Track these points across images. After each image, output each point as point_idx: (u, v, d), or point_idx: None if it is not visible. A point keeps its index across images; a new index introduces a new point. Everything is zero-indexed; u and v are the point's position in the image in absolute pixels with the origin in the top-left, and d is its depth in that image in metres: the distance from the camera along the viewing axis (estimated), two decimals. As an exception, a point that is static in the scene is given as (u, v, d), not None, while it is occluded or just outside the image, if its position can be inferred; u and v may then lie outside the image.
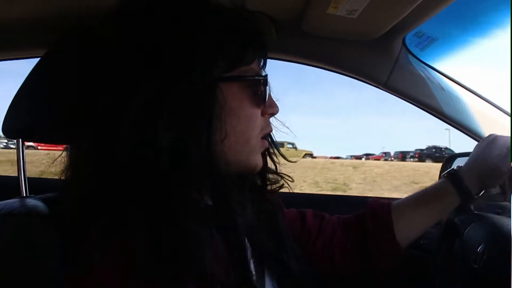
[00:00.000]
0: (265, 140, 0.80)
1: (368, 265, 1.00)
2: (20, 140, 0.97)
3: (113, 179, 0.64)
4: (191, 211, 0.64)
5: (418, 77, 1.36)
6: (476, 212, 1.09)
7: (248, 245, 0.78)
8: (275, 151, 0.88)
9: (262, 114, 0.78)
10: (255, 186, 0.87)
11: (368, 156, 30.07)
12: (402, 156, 27.48)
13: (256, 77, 0.75)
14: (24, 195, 0.96)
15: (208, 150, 0.67)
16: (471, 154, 1.05)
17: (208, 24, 0.70)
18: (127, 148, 0.64)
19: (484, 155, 1.00)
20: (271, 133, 0.85)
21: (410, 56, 1.37)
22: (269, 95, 0.78)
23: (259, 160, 0.78)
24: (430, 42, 1.31)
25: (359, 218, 1.04)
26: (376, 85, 1.37)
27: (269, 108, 0.78)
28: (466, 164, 1.03)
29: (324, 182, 13.25)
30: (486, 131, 1.34)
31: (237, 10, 0.75)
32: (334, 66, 1.37)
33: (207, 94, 0.68)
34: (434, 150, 24.70)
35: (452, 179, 1.01)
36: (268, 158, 0.87)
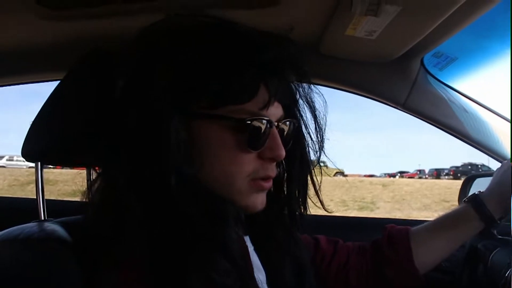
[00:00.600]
0: (261, 182, 0.73)
1: None
2: (39, 163, 0.98)
3: (147, 201, 0.65)
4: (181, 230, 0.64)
5: (438, 98, 1.35)
6: (500, 237, 1.06)
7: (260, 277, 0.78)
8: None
9: (260, 157, 0.72)
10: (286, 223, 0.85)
11: (402, 174, 29.51)
12: (437, 173, 26.87)
13: (242, 120, 0.68)
14: (43, 218, 0.98)
15: (183, 179, 0.65)
16: (492, 178, 1.03)
17: (191, 55, 0.67)
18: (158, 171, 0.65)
19: (505, 179, 0.97)
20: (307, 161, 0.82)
21: (429, 77, 1.35)
22: (274, 137, 0.71)
23: (251, 202, 0.73)
24: (449, 62, 1.30)
25: (375, 244, 1.02)
26: (395, 106, 1.36)
27: (268, 151, 0.71)
28: (487, 188, 1.01)
29: (352, 201, 13.08)
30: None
31: (239, 38, 0.70)
32: (352, 87, 1.37)
33: (175, 126, 0.65)
34: (469, 167, 24.00)
35: (473, 204, 0.99)
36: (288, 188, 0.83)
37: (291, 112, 0.79)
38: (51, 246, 0.79)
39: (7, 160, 23.32)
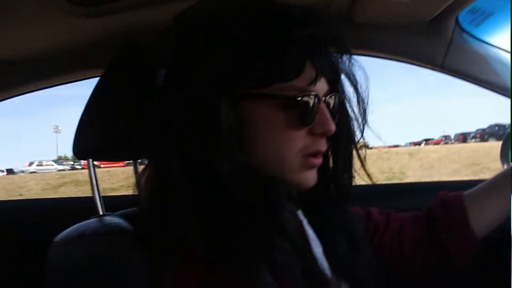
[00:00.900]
0: (312, 159, 0.73)
1: (442, 258, 0.96)
2: (90, 160, 1.00)
3: (200, 187, 0.66)
4: (237, 212, 0.65)
5: (476, 55, 1.32)
6: None
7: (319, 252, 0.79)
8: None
9: (310, 133, 0.72)
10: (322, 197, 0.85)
11: (427, 141, 29.14)
12: (463, 137, 26.44)
13: (292, 98, 0.69)
14: (101, 213, 1.00)
15: (234, 163, 0.65)
16: None
17: (237, 35, 0.67)
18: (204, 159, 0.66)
19: None
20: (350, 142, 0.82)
21: (465, 35, 1.33)
22: (323, 112, 0.72)
23: (303, 179, 0.74)
24: (486, 17, 1.27)
25: (429, 211, 1.00)
26: (432, 67, 1.33)
27: (318, 126, 0.72)
28: None
29: (380, 172, 12.99)
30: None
31: (283, 15, 0.70)
32: (388, 53, 1.35)
33: (223, 109, 0.65)
34: (497, 128, 23.48)
35: None
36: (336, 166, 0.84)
37: (335, 86, 0.79)
38: (120, 239, 0.81)
39: (37, 165, 23.96)
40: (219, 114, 0.65)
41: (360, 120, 0.82)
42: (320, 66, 0.71)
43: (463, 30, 1.32)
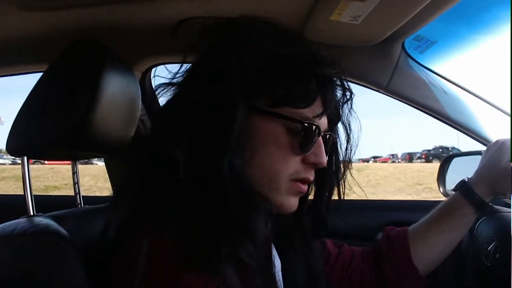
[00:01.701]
0: (300, 185, 0.77)
1: None
2: (25, 158, 0.97)
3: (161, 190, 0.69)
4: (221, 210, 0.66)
5: (419, 81, 1.38)
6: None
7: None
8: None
9: (304, 161, 0.76)
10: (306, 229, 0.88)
11: (375, 158, 29.90)
12: (409, 157, 27.33)
13: (301, 122, 0.73)
14: (31, 213, 0.96)
15: (234, 170, 0.68)
16: (480, 162, 1.05)
17: (264, 54, 0.72)
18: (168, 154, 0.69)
19: (494, 162, 1.00)
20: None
21: (410, 60, 1.39)
22: (320, 144, 0.77)
23: (287, 202, 0.77)
24: (430, 45, 1.33)
25: (376, 246, 1.05)
26: (377, 89, 1.39)
27: (313, 156, 0.76)
28: (475, 173, 1.04)
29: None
30: (489, 133, 1.36)
31: (305, 46, 0.76)
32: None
33: (240, 118, 0.69)
34: (441, 150, 24.46)
35: (462, 190, 1.02)
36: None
37: (333, 127, 0.86)
38: (49, 240, 0.78)
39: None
40: (234, 118, 0.69)
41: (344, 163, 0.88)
42: (327, 103, 0.77)
43: (408, 55, 1.38)
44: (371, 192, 12.85)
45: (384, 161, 27.87)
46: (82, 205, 1.13)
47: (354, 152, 0.87)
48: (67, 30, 1.15)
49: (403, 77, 1.38)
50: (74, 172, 1.14)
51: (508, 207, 1.11)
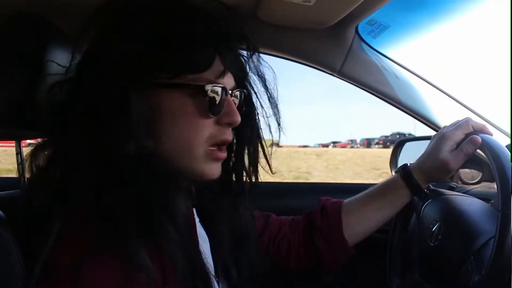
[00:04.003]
0: (215, 150, 0.77)
1: (316, 261, 1.04)
2: None
3: (81, 171, 0.66)
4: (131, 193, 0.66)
5: (371, 65, 1.39)
6: (433, 188, 1.12)
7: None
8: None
9: (217, 123, 0.76)
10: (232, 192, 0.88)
11: (335, 143, 30.45)
12: (368, 143, 28.05)
13: (202, 87, 0.73)
14: None
15: (141, 150, 0.67)
16: (425, 150, 1.07)
17: (151, 29, 0.71)
18: (82, 143, 0.67)
19: (433, 152, 1.02)
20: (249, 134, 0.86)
21: (363, 44, 1.39)
22: (230, 103, 0.77)
23: (207, 169, 0.77)
24: (382, 30, 1.34)
25: (308, 216, 1.07)
26: (330, 72, 1.39)
27: (224, 117, 0.76)
28: (418, 159, 1.07)
29: (287, 171, 13.36)
30: (440, 119, 1.39)
31: (196, 12, 0.74)
32: (289, 54, 1.38)
33: (136, 98, 0.68)
34: (398, 136, 25.23)
35: (402, 173, 1.06)
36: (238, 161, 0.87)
37: (242, 83, 0.84)
38: None
39: None
40: (129, 100, 0.68)
41: (269, 116, 0.87)
42: (227, 62, 0.76)
43: (361, 39, 1.39)
44: (330, 177, 13.11)
45: (343, 146, 28.47)
46: (27, 187, 1.08)
47: (277, 99, 0.87)
48: (7, 2, 1.09)
49: (356, 61, 1.38)
50: (18, 153, 1.10)
51: (452, 190, 1.14)
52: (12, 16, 0.92)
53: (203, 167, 0.76)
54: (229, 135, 0.78)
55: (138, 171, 0.66)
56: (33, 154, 0.73)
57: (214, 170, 0.78)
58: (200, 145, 0.74)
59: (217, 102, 0.74)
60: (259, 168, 0.89)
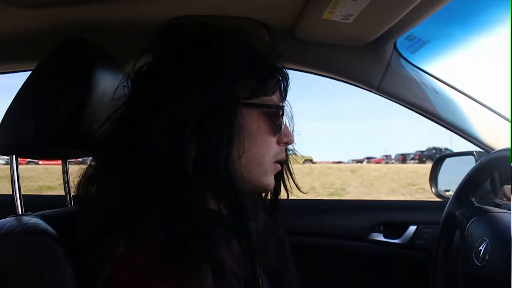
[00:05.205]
0: (278, 164, 0.84)
1: None
2: (14, 156, 0.95)
3: (143, 185, 0.70)
4: (203, 213, 0.70)
5: (410, 80, 1.38)
6: (478, 205, 1.09)
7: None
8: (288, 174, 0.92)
9: (277, 142, 0.82)
10: (267, 206, 0.91)
11: (369, 159, 30.01)
12: (403, 158, 27.51)
13: (274, 108, 0.81)
14: (20, 213, 0.95)
15: (225, 164, 0.72)
16: None
17: (238, 58, 0.77)
18: (159, 155, 0.70)
19: None
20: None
21: (402, 60, 1.39)
22: (286, 125, 0.83)
23: (271, 181, 0.83)
24: (421, 45, 1.33)
25: None
26: (369, 89, 1.38)
27: (284, 137, 0.83)
28: None
29: (321, 187, 13.23)
30: (481, 134, 1.37)
31: (265, 49, 0.84)
32: (327, 71, 1.39)
33: (229, 114, 0.74)
34: (434, 151, 24.64)
35: None
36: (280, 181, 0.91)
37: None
38: (37, 239, 0.76)
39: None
40: (236, 118, 0.74)
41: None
42: (285, 87, 0.85)
43: (400, 55, 1.38)
44: (365, 193, 12.90)
45: (378, 162, 28.00)
46: (73, 205, 1.11)
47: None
48: (57, 28, 1.13)
49: (395, 77, 1.38)
50: (64, 171, 1.13)
51: (497, 207, 1.11)
52: (62, 41, 0.96)
53: (269, 180, 0.82)
54: (284, 155, 0.86)
55: (229, 188, 0.72)
56: (85, 175, 0.77)
57: (273, 181, 0.84)
58: (270, 161, 0.81)
59: (281, 122, 0.81)
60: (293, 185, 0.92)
